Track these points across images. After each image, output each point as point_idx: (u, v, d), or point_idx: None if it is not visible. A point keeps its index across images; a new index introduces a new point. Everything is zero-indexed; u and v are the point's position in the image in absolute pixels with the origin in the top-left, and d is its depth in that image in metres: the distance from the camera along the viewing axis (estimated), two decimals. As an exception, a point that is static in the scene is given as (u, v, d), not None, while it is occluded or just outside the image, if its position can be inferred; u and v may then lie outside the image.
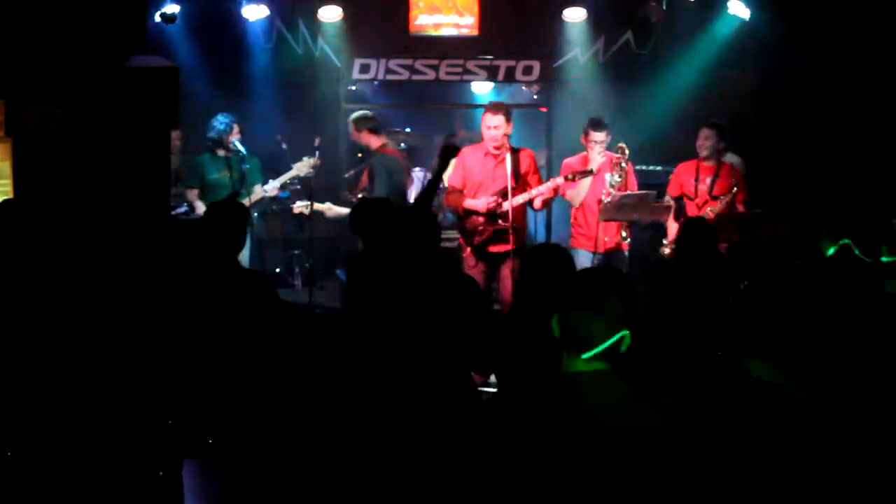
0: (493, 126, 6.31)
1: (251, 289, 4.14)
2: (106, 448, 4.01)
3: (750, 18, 8.13)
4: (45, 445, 3.83)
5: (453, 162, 6.82)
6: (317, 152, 7.32)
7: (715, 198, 6.96)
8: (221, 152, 7.30)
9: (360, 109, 8.85)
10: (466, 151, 6.60)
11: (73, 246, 4.98)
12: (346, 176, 8.49)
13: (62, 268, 4.15)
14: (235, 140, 7.23)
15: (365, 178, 8.31)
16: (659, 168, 8.37)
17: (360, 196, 7.22)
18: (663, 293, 5.10)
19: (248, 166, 7.23)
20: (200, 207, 7.13)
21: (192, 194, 7.32)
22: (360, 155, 9.14)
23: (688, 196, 7.10)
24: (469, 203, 6.37)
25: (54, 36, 5.95)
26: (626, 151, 6.86)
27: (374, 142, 7.25)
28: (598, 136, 6.84)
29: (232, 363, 3.98)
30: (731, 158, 7.51)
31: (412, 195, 7.65)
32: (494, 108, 6.45)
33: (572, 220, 7.08)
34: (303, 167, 7.38)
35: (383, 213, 4.86)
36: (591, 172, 6.59)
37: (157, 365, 4.10)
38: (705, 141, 7.02)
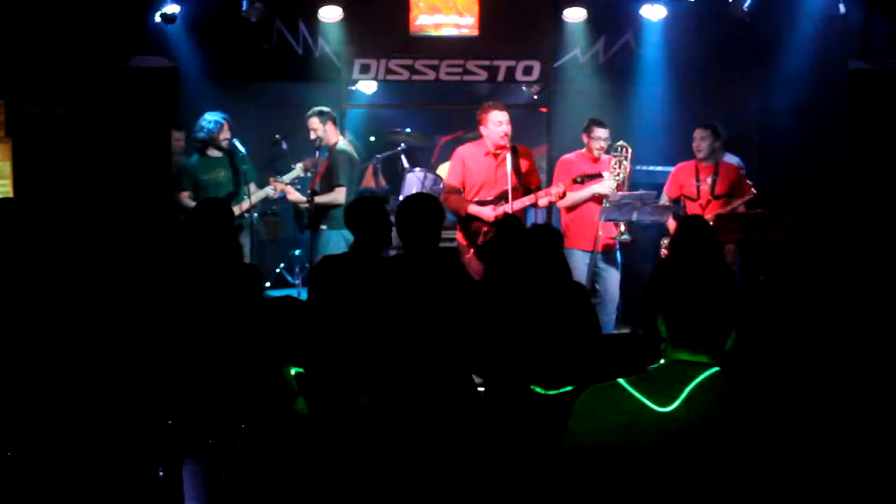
0: (505, 121, 6.30)
1: (242, 281, 4.14)
2: (105, 448, 4.01)
3: (751, 18, 8.11)
4: (44, 445, 3.83)
5: (448, 164, 6.80)
6: (316, 152, 7.32)
7: (717, 197, 6.96)
8: (213, 152, 7.20)
9: (359, 109, 8.90)
10: (465, 151, 6.58)
11: (72, 245, 4.98)
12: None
13: (61, 267, 4.14)
14: (226, 138, 7.16)
15: (370, 171, 8.32)
16: (659, 168, 8.37)
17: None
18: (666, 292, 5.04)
19: (244, 166, 7.20)
20: None
21: (185, 196, 7.17)
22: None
23: (689, 197, 7.09)
24: (473, 210, 6.34)
25: (54, 36, 5.95)
26: (629, 150, 6.87)
27: (335, 135, 7.30)
28: (603, 132, 6.89)
29: (226, 358, 3.97)
30: (729, 159, 7.51)
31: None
32: (499, 104, 6.46)
33: (567, 220, 7.09)
34: (298, 170, 7.41)
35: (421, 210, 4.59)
36: (599, 176, 6.60)
37: (157, 363, 4.10)
38: (701, 142, 7.05)
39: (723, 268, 2.31)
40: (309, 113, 7.33)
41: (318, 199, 6.96)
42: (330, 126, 7.26)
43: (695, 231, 5.17)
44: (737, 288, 2.29)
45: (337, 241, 7.05)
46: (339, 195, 7.02)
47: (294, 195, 7.33)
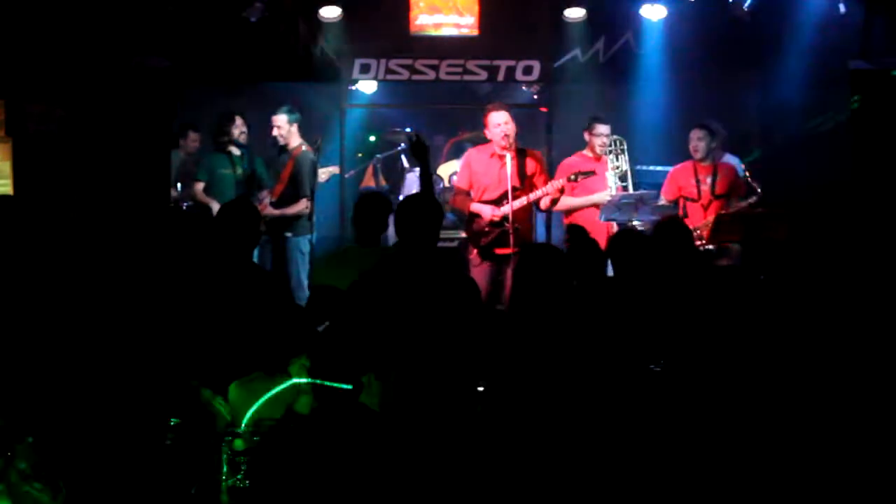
0: (504, 122, 6.35)
1: (265, 287, 4.14)
2: (106, 447, 4.01)
3: (751, 18, 8.12)
4: (45, 445, 3.83)
5: (454, 163, 6.80)
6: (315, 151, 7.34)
7: (718, 197, 6.97)
8: (228, 149, 7.46)
9: (359, 109, 8.91)
10: (472, 154, 6.69)
11: (73, 245, 4.98)
12: (347, 176, 8.49)
13: (62, 266, 4.14)
14: (237, 138, 7.36)
15: (370, 171, 8.31)
16: (659, 168, 8.37)
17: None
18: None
19: (245, 167, 7.38)
20: (210, 203, 7.26)
21: (199, 187, 7.45)
22: (359, 154, 9.16)
23: (689, 198, 7.07)
24: (475, 207, 6.41)
25: (55, 36, 5.96)
26: (623, 143, 6.97)
27: (298, 139, 7.35)
28: (604, 129, 7.01)
29: (244, 359, 3.97)
30: (729, 159, 7.51)
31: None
32: (498, 105, 6.52)
33: (570, 222, 7.09)
34: (322, 174, 7.52)
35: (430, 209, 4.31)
36: (592, 173, 6.64)
37: (157, 363, 4.10)
38: (698, 142, 7.08)
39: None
40: (279, 110, 7.41)
41: (286, 210, 7.21)
42: (295, 129, 7.33)
43: (674, 236, 4.96)
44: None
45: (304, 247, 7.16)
46: (304, 205, 7.14)
47: (266, 209, 7.40)
